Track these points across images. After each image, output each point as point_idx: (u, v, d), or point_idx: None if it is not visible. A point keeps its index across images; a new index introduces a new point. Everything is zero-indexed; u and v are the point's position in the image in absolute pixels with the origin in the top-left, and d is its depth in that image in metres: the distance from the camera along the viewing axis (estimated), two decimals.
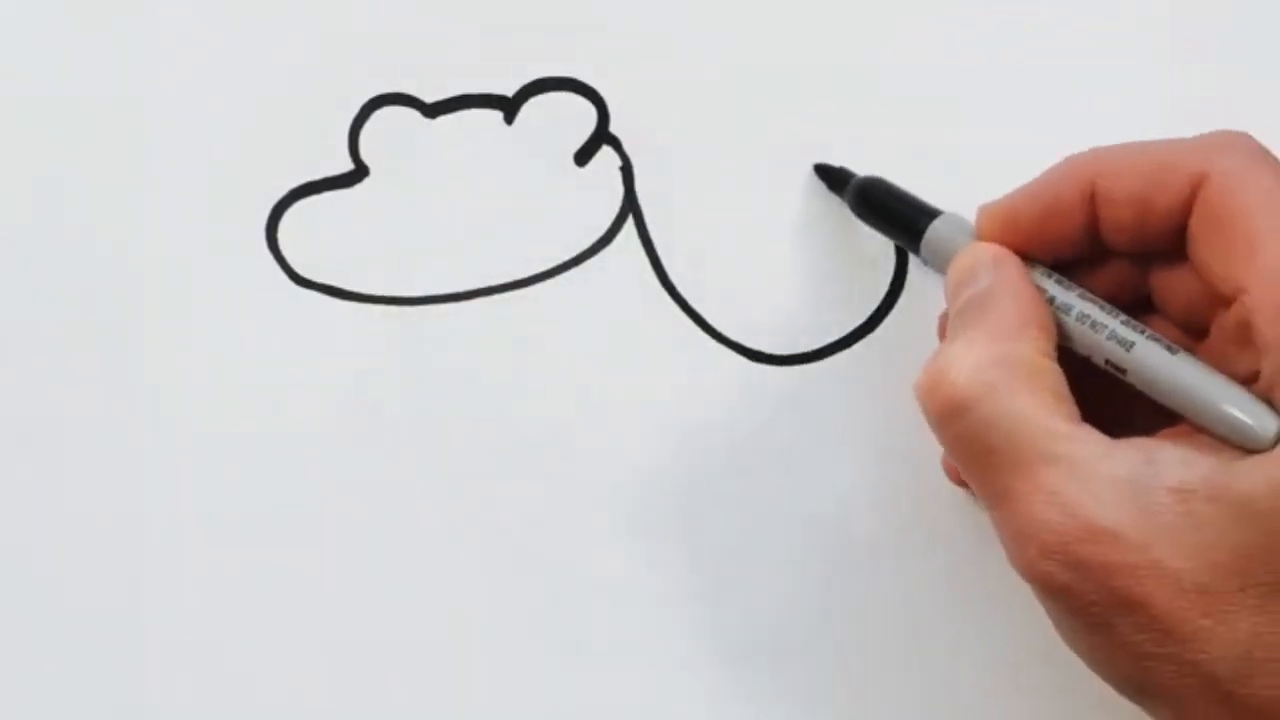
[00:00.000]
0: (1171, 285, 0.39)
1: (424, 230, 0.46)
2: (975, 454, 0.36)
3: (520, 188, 0.46)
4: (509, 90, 0.46)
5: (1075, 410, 0.36)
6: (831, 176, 0.45)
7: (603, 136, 0.46)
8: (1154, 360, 0.37)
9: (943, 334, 0.42)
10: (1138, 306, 0.39)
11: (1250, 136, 0.37)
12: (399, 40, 0.46)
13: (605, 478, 0.45)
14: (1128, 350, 0.37)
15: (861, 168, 0.45)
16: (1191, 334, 0.39)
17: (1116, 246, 0.39)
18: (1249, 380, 0.36)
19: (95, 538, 0.45)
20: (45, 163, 0.45)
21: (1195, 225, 0.37)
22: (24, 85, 0.45)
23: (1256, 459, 0.34)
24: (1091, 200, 0.38)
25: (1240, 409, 0.35)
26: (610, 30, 0.46)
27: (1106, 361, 0.38)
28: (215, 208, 0.45)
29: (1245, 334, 0.36)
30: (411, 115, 0.46)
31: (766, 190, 0.46)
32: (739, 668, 0.45)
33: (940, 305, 0.45)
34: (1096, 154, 0.38)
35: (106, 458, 0.45)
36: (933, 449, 0.45)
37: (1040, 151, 0.45)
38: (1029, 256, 0.39)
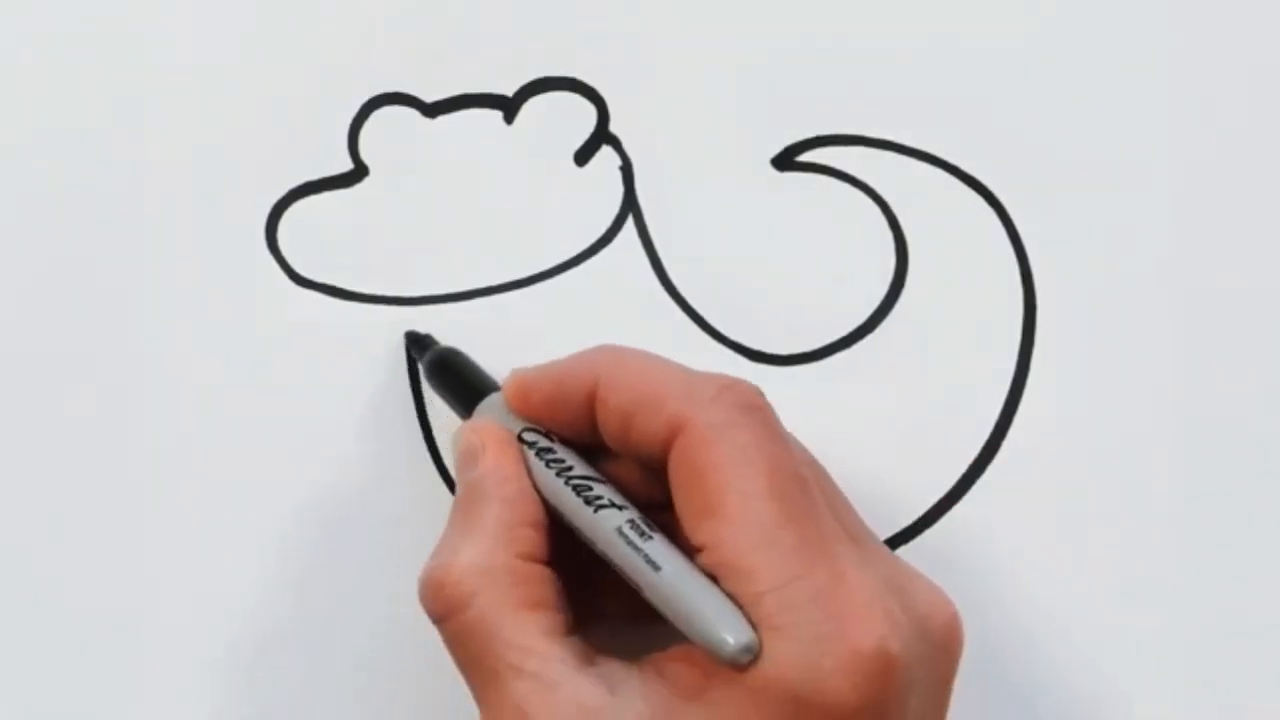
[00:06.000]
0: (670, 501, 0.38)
1: (424, 230, 0.45)
2: (460, 659, 0.37)
3: (520, 188, 0.46)
4: (509, 90, 0.46)
5: (559, 619, 0.36)
6: (417, 343, 0.45)
7: (603, 136, 0.46)
8: (639, 575, 0.36)
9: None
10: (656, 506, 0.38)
11: (748, 386, 0.37)
12: (399, 40, 0.45)
13: None
14: (648, 567, 0.36)
15: (859, 167, 0.45)
16: None
17: (615, 449, 0.38)
18: None
19: (95, 538, 0.45)
20: (45, 163, 0.45)
21: (670, 471, 0.36)
22: (24, 85, 0.45)
23: (701, 705, 0.34)
24: (593, 400, 0.38)
25: (715, 625, 0.34)
26: (610, 30, 0.46)
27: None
28: (215, 208, 0.45)
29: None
30: (411, 115, 0.45)
31: (766, 190, 0.46)
32: None
33: (940, 307, 0.46)
34: (608, 356, 0.38)
35: (106, 458, 0.45)
36: (931, 449, 0.46)
37: (1044, 152, 0.46)
38: (549, 430, 0.39)
